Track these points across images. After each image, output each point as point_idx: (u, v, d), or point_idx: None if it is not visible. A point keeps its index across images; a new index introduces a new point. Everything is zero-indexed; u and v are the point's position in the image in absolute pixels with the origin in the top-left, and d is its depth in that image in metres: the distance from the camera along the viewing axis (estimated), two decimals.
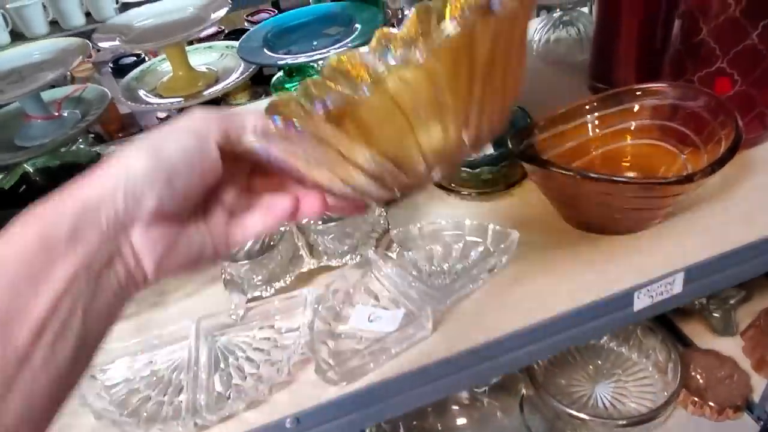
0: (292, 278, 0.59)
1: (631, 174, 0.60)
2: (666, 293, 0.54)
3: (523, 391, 0.91)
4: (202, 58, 0.91)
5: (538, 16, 1.11)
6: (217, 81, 0.84)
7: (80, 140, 1.06)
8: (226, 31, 1.79)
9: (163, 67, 0.90)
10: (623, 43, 0.75)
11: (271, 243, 0.56)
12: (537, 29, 0.94)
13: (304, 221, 0.57)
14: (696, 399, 0.88)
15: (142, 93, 0.83)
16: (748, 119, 0.60)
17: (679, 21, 0.62)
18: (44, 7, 1.61)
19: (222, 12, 0.76)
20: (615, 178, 0.52)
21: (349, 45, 0.75)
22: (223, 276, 0.60)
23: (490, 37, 0.27)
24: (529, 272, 0.56)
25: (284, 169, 0.29)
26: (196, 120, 0.27)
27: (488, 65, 0.28)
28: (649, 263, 0.54)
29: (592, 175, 0.52)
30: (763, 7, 0.55)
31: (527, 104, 0.73)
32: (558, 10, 0.91)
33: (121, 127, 1.51)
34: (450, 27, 0.36)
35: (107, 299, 0.26)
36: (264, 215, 0.31)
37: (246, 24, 2.04)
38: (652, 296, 0.54)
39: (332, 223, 0.55)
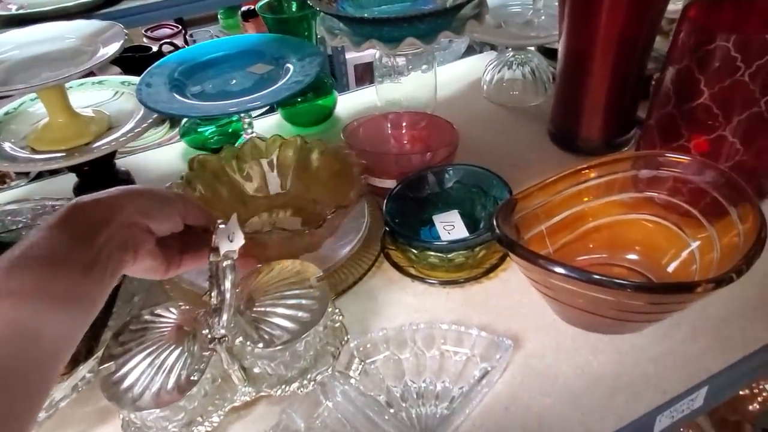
0: (221, 416, 0.43)
1: (633, 256, 0.51)
2: (687, 410, 0.45)
3: None
4: (88, 97, 0.72)
5: (481, 52, 1.03)
6: (109, 129, 0.66)
7: None
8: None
9: (36, 108, 0.70)
10: (590, 92, 0.67)
11: (192, 378, 0.40)
12: (488, 69, 0.85)
13: (238, 343, 0.42)
14: None
15: (7, 146, 0.64)
16: None
17: (672, 78, 0.54)
18: None
19: (114, 48, 0.58)
20: (617, 281, 0.38)
21: (284, 90, 0.61)
22: (121, 417, 0.43)
23: None
24: (526, 389, 0.45)
25: None
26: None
27: None
28: (667, 376, 0.45)
29: (584, 276, 0.38)
30: None
31: (490, 158, 0.63)
32: (509, 49, 0.83)
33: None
34: None
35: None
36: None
37: (145, 40, 1.82)
38: (673, 416, 0.45)
39: (278, 347, 0.41)
